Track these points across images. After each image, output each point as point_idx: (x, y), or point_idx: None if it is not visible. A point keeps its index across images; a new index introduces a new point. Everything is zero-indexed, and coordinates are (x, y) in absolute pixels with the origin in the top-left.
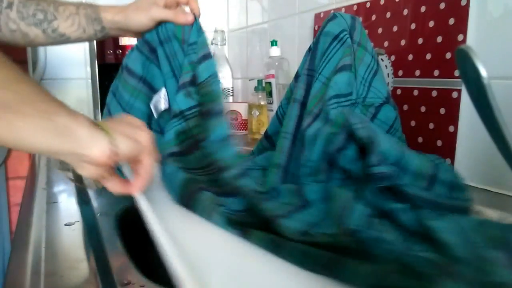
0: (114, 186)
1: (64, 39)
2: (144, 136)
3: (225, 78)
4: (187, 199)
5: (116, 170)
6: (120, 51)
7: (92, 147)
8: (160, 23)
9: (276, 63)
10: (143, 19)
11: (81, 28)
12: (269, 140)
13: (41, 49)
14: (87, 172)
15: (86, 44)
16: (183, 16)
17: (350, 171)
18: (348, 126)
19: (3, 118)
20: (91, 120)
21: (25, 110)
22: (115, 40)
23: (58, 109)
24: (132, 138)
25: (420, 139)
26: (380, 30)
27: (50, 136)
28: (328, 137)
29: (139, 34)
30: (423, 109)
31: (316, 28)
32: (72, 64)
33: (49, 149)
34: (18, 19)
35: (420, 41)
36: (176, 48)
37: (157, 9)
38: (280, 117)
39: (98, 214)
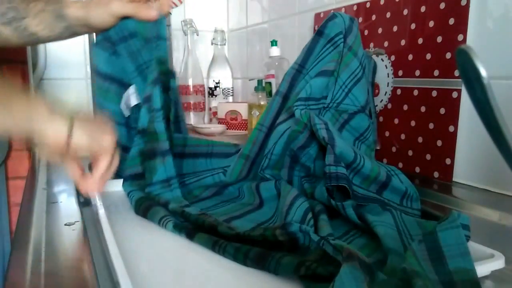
0: (72, 173)
1: (34, 39)
2: (106, 139)
3: (225, 78)
4: (142, 213)
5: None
6: None
7: (48, 128)
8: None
9: (276, 63)
10: (103, 14)
11: (48, 26)
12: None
13: (41, 49)
14: (42, 150)
15: (86, 44)
16: (146, 12)
17: (310, 168)
18: (310, 126)
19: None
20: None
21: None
22: None
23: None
24: (92, 137)
25: (420, 139)
26: (380, 30)
27: (12, 123)
28: (292, 134)
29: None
30: (423, 109)
31: (316, 28)
32: (72, 64)
33: (15, 133)
34: None
35: (420, 41)
36: (139, 45)
37: (118, 3)
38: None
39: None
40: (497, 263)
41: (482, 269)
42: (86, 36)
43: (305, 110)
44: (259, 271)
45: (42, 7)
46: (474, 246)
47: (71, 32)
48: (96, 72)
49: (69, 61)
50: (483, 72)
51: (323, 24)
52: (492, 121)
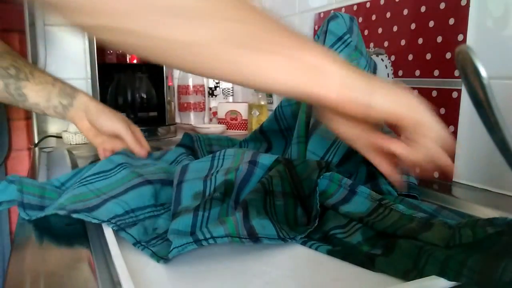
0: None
1: (19, 100)
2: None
3: None
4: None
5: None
6: (120, 51)
7: (341, 92)
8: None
9: None
10: (113, 121)
11: (47, 95)
12: (263, 135)
13: (41, 49)
14: (344, 130)
15: (86, 44)
16: (137, 148)
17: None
18: None
19: (246, 55)
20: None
21: (270, 48)
22: None
23: (305, 45)
24: (398, 97)
25: None
26: (380, 30)
27: (295, 76)
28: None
29: (94, 134)
30: None
31: (316, 28)
32: (72, 64)
33: (292, 90)
34: None
35: (420, 41)
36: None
37: (123, 128)
38: (278, 117)
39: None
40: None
41: None
42: (86, 35)
43: None
44: (254, 268)
45: (50, 81)
46: None
47: (64, 109)
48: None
49: (69, 61)
50: (483, 72)
51: (326, 24)
52: (492, 121)
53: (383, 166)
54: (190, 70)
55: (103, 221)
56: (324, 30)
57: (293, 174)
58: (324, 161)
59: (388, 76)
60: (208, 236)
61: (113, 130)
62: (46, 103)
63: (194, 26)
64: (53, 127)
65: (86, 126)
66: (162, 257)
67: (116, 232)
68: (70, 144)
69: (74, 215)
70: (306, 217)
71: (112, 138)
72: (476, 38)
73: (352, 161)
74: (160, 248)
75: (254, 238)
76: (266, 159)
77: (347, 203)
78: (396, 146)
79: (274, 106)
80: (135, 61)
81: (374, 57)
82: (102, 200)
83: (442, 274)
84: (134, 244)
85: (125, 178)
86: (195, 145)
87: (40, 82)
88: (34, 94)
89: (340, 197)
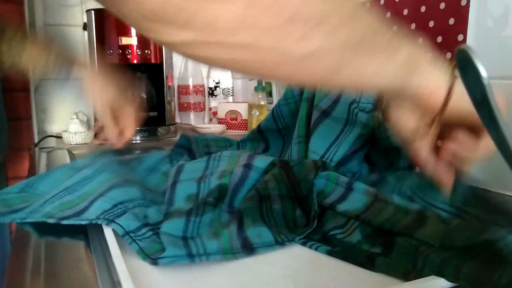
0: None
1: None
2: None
3: (225, 78)
4: None
5: None
6: (120, 51)
7: (430, 89)
8: None
9: None
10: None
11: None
12: (261, 134)
13: None
14: (407, 121)
15: (86, 44)
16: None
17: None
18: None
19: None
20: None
21: (368, 48)
22: (115, 40)
23: (400, 43)
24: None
25: None
26: None
27: (390, 74)
28: (360, 138)
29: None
30: None
31: None
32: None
33: (389, 88)
34: None
35: (420, 41)
36: None
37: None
38: (276, 116)
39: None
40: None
41: None
42: (86, 34)
43: (364, 113)
44: (254, 268)
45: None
46: None
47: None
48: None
49: None
50: (483, 72)
51: None
52: (492, 121)
53: (443, 173)
54: (300, 81)
55: (92, 220)
56: None
57: (290, 176)
58: (321, 161)
59: None
60: (201, 251)
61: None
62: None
63: (312, 33)
64: (53, 127)
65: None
66: (148, 256)
67: (107, 226)
68: (70, 144)
69: (64, 222)
70: (305, 218)
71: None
72: (476, 38)
73: (354, 160)
74: (148, 243)
75: (248, 249)
76: (261, 161)
77: (344, 200)
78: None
79: None
80: (135, 61)
81: None
82: (89, 201)
83: (440, 276)
84: (123, 236)
85: (109, 178)
86: (192, 146)
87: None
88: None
89: (337, 195)
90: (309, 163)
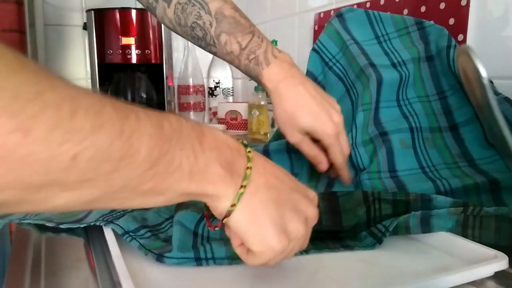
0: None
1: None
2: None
3: (225, 78)
4: None
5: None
6: (120, 51)
7: (217, 203)
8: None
9: None
10: (313, 114)
11: (242, 70)
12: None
13: (41, 49)
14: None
15: (86, 44)
16: (344, 173)
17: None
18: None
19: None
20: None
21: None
22: (115, 40)
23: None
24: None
25: None
26: None
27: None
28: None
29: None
30: None
31: (316, 28)
32: (72, 64)
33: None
34: (175, 22)
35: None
36: None
37: (331, 135)
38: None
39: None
40: (501, 263)
41: (486, 270)
42: (86, 34)
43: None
44: (254, 268)
45: (237, 50)
46: (477, 247)
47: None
48: None
49: (69, 61)
50: (483, 72)
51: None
52: (492, 121)
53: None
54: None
55: (91, 222)
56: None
57: (333, 207)
58: (371, 192)
59: None
60: (209, 255)
61: (312, 129)
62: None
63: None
64: None
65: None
66: (150, 250)
67: (105, 227)
68: None
69: (63, 226)
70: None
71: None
72: (476, 38)
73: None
74: (148, 241)
75: None
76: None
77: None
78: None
79: None
80: (134, 61)
81: None
82: (88, 211)
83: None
84: (122, 235)
85: None
86: None
87: (225, 52)
88: (228, 62)
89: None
90: (358, 194)
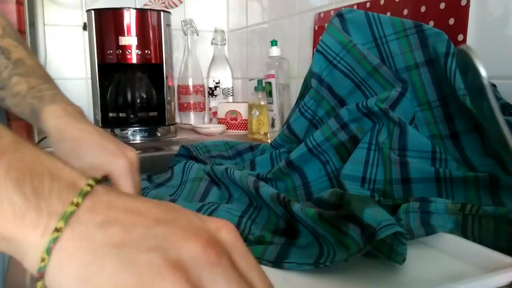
0: None
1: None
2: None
3: (225, 78)
4: None
5: None
6: (120, 51)
7: (22, 254)
8: None
9: (276, 63)
10: (100, 154)
11: (24, 115)
12: (294, 134)
13: (41, 49)
14: None
15: (86, 44)
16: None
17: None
18: None
19: None
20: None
21: None
22: (115, 40)
23: None
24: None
25: None
26: None
27: None
28: None
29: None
30: None
31: (316, 28)
32: (72, 64)
33: None
34: None
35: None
36: None
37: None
38: (310, 118)
39: None
40: None
41: (501, 279)
42: (86, 34)
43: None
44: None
45: (24, 90)
46: (492, 254)
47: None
48: None
49: (69, 61)
50: (483, 72)
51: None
52: (492, 121)
53: None
54: None
55: None
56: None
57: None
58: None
59: None
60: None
61: (102, 168)
62: (22, 116)
63: None
64: None
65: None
66: None
67: None
68: None
69: None
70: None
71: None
72: (476, 38)
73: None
74: None
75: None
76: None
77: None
78: None
79: (274, 106)
80: (135, 61)
81: None
82: None
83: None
84: None
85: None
86: (193, 153)
87: (14, 93)
88: (14, 110)
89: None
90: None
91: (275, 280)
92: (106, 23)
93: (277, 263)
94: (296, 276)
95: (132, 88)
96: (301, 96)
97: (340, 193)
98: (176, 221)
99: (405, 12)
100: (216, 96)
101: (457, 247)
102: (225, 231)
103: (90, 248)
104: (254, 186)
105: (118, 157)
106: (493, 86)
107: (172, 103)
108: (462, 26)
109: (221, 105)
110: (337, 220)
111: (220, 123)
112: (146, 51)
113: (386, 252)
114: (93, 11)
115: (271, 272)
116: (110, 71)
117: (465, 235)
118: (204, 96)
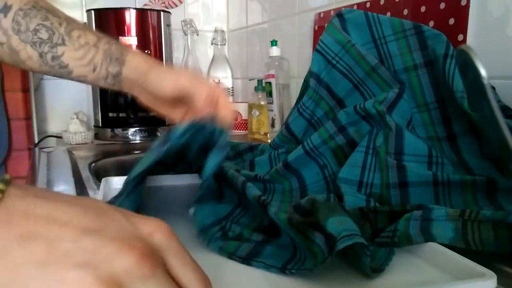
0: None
1: (62, 72)
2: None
3: (225, 78)
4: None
5: None
6: None
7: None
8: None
9: (276, 63)
10: (168, 82)
11: (92, 64)
12: (292, 135)
13: None
14: None
15: None
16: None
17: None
18: None
19: None
20: None
21: None
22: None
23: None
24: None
25: None
26: None
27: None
28: None
29: (153, 100)
30: None
31: (316, 28)
32: None
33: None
34: (12, 31)
35: None
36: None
37: (186, 78)
38: (308, 118)
39: None
40: (488, 282)
41: None
42: None
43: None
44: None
45: (93, 40)
46: (467, 263)
47: (114, 81)
48: None
49: None
50: (483, 72)
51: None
52: (492, 121)
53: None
54: None
55: None
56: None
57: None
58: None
59: None
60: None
61: (172, 89)
62: (94, 75)
63: None
64: (53, 127)
65: (146, 97)
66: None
67: None
68: (70, 144)
69: None
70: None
71: (182, 104)
72: (476, 38)
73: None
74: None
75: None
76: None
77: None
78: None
79: (274, 106)
80: None
81: None
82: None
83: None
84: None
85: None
86: None
87: (80, 45)
88: (76, 64)
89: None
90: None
91: (255, 277)
92: (106, 23)
93: (247, 260)
94: (276, 274)
95: None
96: (301, 96)
97: (312, 199)
98: (106, 230)
99: (405, 12)
100: None
101: (435, 255)
102: (159, 233)
103: (10, 266)
104: (242, 186)
105: (203, 83)
106: (492, 88)
107: None
108: (462, 26)
109: None
110: (304, 227)
111: None
112: (146, 51)
113: (355, 262)
114: (93, 11)
115: (252, 269)
116: None
117: (466, 241)
118: None
